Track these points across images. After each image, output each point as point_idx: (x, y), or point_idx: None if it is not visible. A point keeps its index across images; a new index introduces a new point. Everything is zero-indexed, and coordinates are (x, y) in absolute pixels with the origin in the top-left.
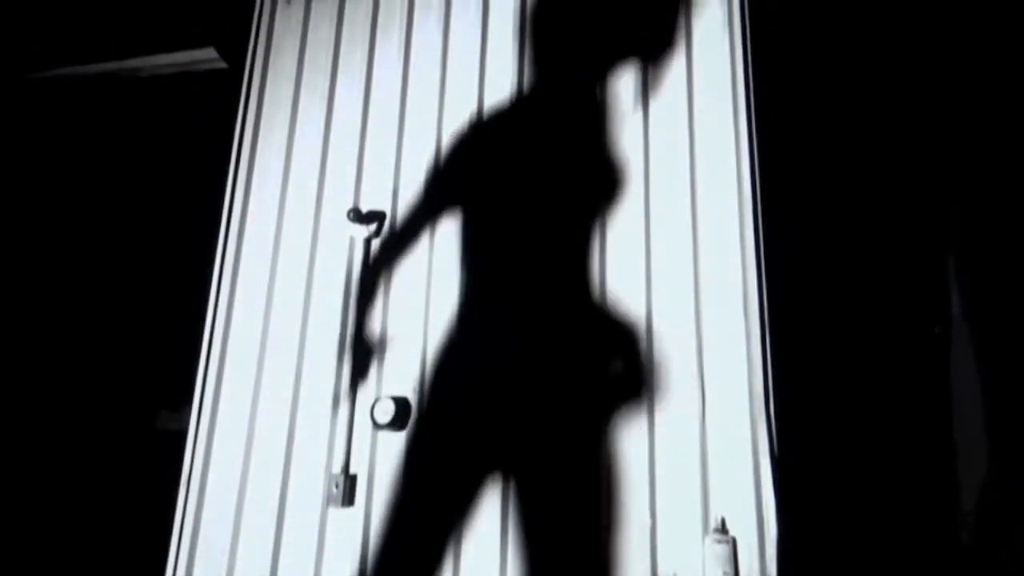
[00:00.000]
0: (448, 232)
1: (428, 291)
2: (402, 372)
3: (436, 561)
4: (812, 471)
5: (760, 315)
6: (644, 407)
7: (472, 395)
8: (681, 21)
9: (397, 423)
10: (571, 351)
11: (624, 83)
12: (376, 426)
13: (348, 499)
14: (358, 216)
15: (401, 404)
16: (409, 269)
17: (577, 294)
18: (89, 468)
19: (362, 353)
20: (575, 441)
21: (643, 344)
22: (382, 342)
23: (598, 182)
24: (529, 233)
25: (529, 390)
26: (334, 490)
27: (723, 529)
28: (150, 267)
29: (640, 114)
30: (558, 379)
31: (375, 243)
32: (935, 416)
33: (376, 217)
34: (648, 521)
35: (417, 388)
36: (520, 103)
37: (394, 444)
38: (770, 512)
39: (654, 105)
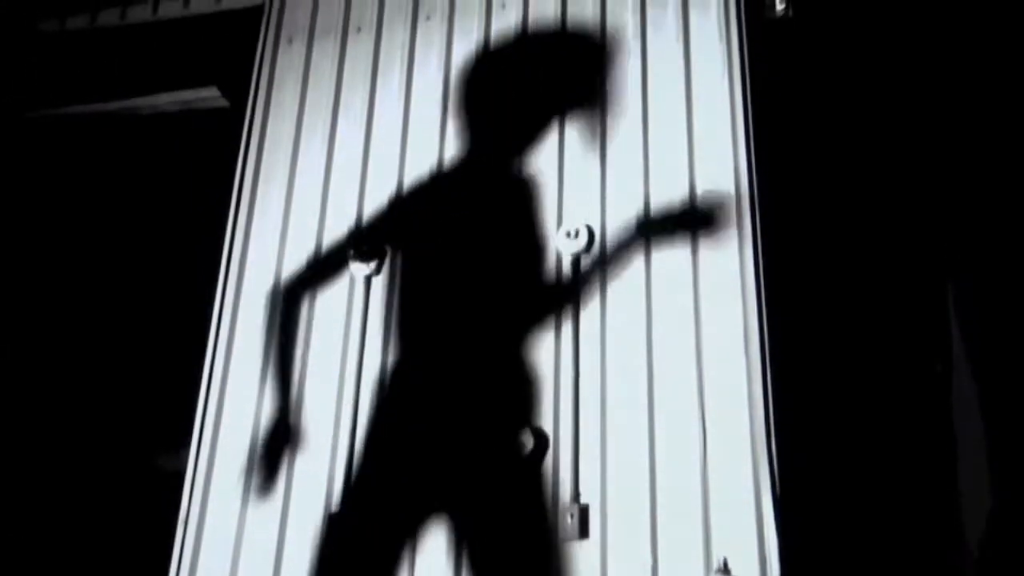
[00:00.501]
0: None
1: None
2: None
3: None
4: (815, 510)
5: (761, 353)
6: (645, 445)
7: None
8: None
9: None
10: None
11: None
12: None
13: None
14: (358, 254)
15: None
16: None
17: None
18: (85, 508)
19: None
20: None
21: (644, 383)
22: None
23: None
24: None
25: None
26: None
27: (725, 569)
28: (150, 305)
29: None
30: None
31: (376, 281)
32: (938, 454)
33: (376, 255)
34: (650, 561)
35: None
36: (516, 148)
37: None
38: (773, 552)
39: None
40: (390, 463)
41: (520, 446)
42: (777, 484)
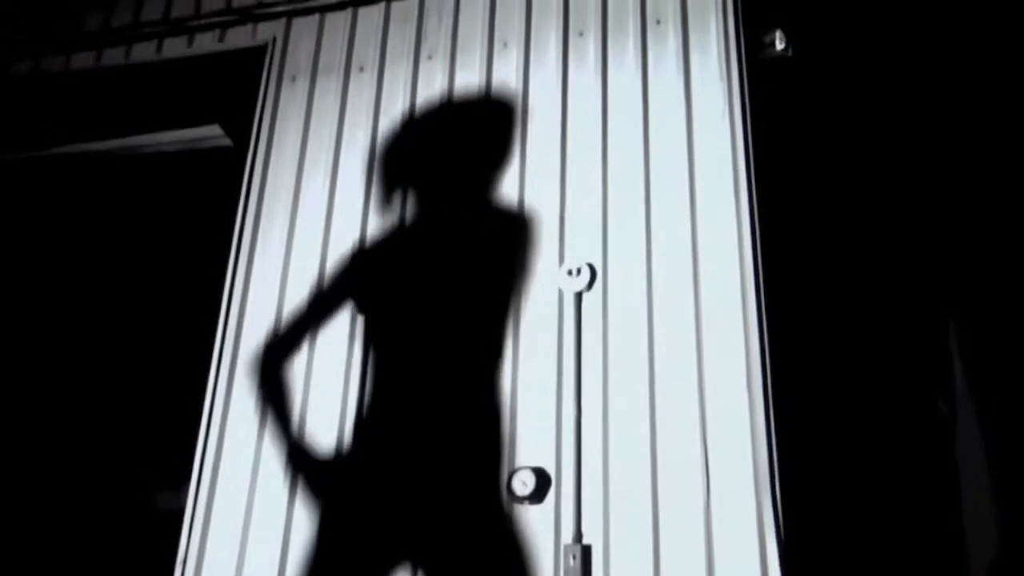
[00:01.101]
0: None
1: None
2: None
3: None
4: (820, 550)
5: (764, 391)
6: (648, 484)
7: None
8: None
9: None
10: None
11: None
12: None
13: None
14: (361, 291)
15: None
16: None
17: None
18: (85, 546)
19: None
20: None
21: (646, 420)
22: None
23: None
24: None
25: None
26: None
27: None
28: (150, 345)
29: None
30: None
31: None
32: (943, 493)
33: (379, 293)
34: None
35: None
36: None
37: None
38: None
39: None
40: (390, 505)
41: (521, 486)
42: (782, 525)
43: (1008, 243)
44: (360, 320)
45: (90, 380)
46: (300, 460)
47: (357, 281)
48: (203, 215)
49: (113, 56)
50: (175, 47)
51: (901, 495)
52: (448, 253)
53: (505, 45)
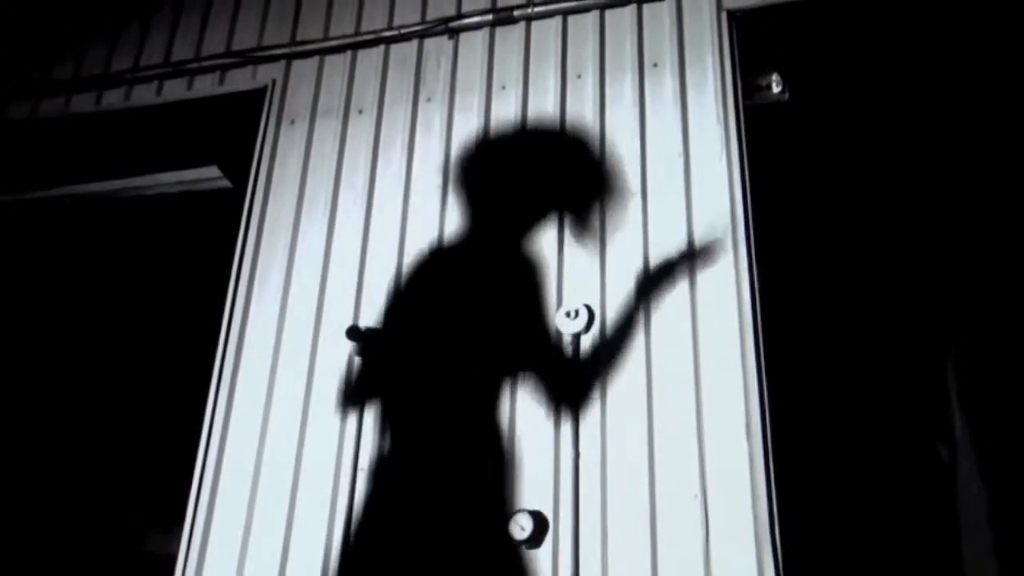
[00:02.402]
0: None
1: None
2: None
3: None
4: None
5: (763, 437)
6: (647, 528)
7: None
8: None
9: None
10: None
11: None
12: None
13: None
14: (356, 335)
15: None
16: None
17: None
18: None
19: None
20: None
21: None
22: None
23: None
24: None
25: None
26: None
27: None
28: (147, 386)
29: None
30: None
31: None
32: (943, 537)
33: (375, 336)
34: None
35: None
36: (515, 229)
37: None
38: None
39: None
40: (386, 548)
41: (518, 530)
42: (781, 571)
43: (1005, 286)
44: (357, 362)
45: (83, 421)
46: (296, 503)
47: (354, 324)
48: (202, 256)
49: (112, 98)
50: (175, 90)
51: (902, 539)
52: (446, 295)
53: (503, 88)
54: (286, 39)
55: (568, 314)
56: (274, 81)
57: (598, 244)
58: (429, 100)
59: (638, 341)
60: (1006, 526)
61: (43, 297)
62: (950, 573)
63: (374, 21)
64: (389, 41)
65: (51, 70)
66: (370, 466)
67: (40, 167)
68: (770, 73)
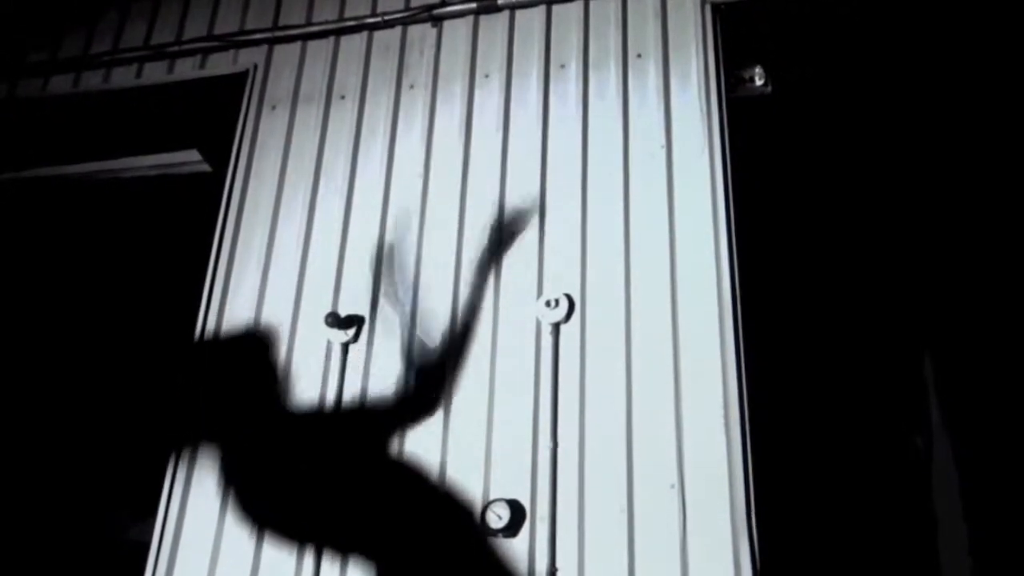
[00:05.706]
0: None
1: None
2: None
3: None
4: None
5: (741, 428)
6: (624, 517)
7: None
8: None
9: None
10: None
11: None
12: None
13: None
14: (336, 321)
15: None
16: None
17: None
18: None
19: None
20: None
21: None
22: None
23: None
24: None
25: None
26: None
27: None
28: (121, 372)
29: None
30: None
31: (353, 348)
32: (917, 527)
33: (354, 322)
34: None
35: None
36: (502, 211)
37: None
38: None
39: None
40: (364, 534)
41: (495, 518)
42: (758, 561)
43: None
44: (336, 348)
45: (59, 410)
46: (269, 496)
47: (334, 311)
48: (179, 240)
49: (91, 80)
50: (155, 72)
51: (876, 529)
52: (424, 282)
53: (487, 75)
54: (268, 24)
55: (548, 303)
56: (256, 66)
57: (580, 233)
58: (412, 87)
59: (618, 331)
60: (979, 514)
61: (16, 280)
62: (926, 563)
63: (357, 7)
64: (372, 28)
65: (28, 51)
66: (347, 455)
67: (15, 148)
68: (753, 66)
